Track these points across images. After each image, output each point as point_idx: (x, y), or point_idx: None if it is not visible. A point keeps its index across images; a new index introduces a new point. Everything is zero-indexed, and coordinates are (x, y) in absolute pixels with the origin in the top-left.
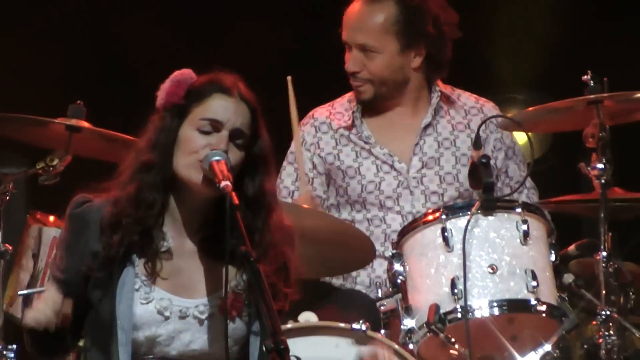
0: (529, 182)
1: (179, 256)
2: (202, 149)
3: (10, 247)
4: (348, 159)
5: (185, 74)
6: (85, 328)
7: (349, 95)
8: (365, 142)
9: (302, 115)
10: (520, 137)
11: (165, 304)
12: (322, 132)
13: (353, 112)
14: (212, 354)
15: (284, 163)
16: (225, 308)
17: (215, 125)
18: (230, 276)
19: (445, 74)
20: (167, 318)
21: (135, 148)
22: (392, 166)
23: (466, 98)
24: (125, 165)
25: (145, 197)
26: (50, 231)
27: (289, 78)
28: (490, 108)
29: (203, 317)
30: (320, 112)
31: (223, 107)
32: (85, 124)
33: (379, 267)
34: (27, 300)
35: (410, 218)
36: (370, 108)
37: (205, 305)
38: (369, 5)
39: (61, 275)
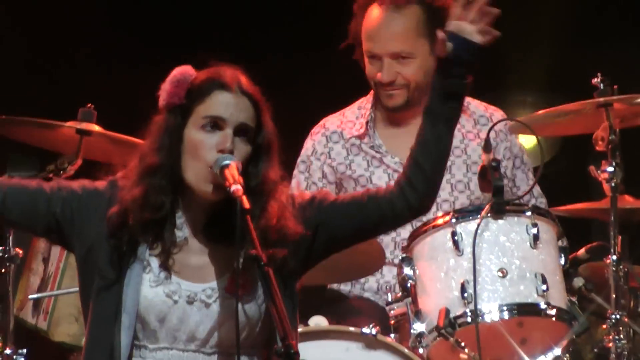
0: (536, 191)
1: (189, 244)
2: (209, 151)
3: (21, 251)
4: (360, 168)
5: (184, 72)
6: (88, 313)
7: (358, 102)
8: (377, 152)
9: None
10: (530, 140)
11: (174, 287)
12: (334, 142)
13: (367, 122)
14: (222, 338)
15: (295, 172)
16: (233, 290)
17: (219, 123)
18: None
19: None
20: (175, 302)
21: (140, 150)
22: None
23: (475, 107)
24: (130, 167)
25: (152, 200)
26: None
27: None
28: (498, 117)
29: (210, 300)
30: (332, 122)
31: (224, 104)
32: (96, 128)
33: (388, 273)
34: (37, 304)
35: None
36: (385, 117)
37: (212, 289)
38: (394, 12)
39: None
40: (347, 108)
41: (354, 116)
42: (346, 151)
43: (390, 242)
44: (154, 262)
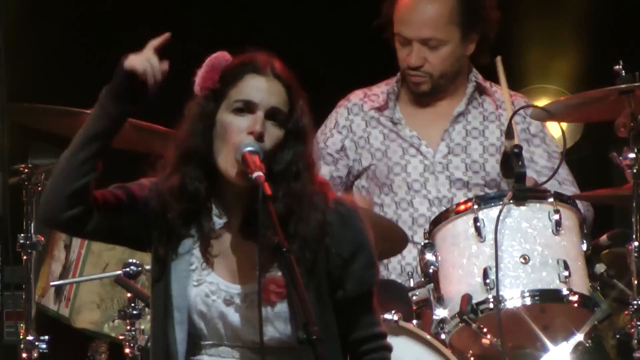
0: (570, 176)
1: (226, 239)
2: (239, 133)
3: (43, 239)
4: (376, 141)
5: (220, 57)
6: (150, 306)
7: (387, 80)
8: (395, 124)
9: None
10: (552, 127)
11: (214, 287)
12: (354, 114)
13: (388, 94)
14: (251, 343)
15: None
16: (266, 294)
17: (250, 107)
18: (270, 260)
19: (488, 59)
20: (214, 301)
21: (175, 137)
22: (418, 149)
23: (500, 93)
24: (166, 156)
25: (188, 189)
26: None
27: (498, 58)
28: (521, 103)
29: (246, 304)
30: (356, 94)
31: (256, 87)
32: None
33: (408, 254)
34: (59, 291)
35: (436, 203)
36: (411, 97)
37: (248, 293)
38: None
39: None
40: (375, 85)
41: (379, 90)
42: (365, 123)
43: (408, 217)
44: (197, 256)
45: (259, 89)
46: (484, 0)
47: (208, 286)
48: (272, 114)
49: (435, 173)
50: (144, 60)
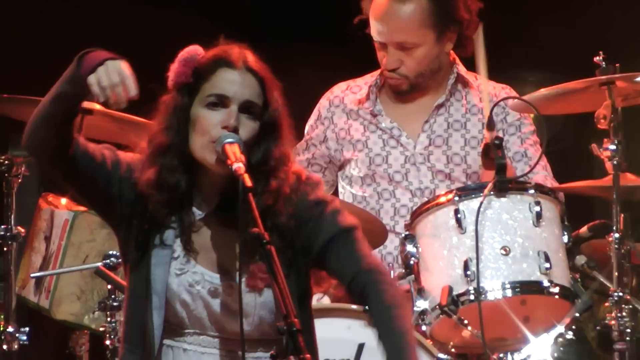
0: (541, 166)
1: (207, 229)
2: (214, 127)
3: (23, 230)
4: (357, 133)
5: (192, 51)
6: (126, 291)
7: (371, 73)
8: (374, 116)
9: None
10: (532, 119)
11: (198, 277)
12: (335, 106)
13: (370, 86)
14: (246, 333)
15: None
16: (252, 281)
17: (224, 100)
18: (252, 249)
19: (470, 52)
20: (198, 292)
21: (149, 131)
22: (398, 141)
23: (485, 84)
24: (141, 148)
25: (167, 180)
26: (62, 214)
27: (480, 25)
28: (504, 95)
29: (230, 293)
30: (339, 86)
31: (229, 81)
32: (97, 106)
33: (390, 244)
34: (39, 282)
35: (418, 194)
36: (392, 93)
37: (233, 282)
38: (400, 2)
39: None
40: (360, 77)
41: (363, 82)
42: (346, 115)
43: (390, 207)
44: (178, 246)
45: (232, 82)
46: (456, 1)
47: (192, 276)
48: (246, 107)
49: (417, 164)
50: (108, 90)
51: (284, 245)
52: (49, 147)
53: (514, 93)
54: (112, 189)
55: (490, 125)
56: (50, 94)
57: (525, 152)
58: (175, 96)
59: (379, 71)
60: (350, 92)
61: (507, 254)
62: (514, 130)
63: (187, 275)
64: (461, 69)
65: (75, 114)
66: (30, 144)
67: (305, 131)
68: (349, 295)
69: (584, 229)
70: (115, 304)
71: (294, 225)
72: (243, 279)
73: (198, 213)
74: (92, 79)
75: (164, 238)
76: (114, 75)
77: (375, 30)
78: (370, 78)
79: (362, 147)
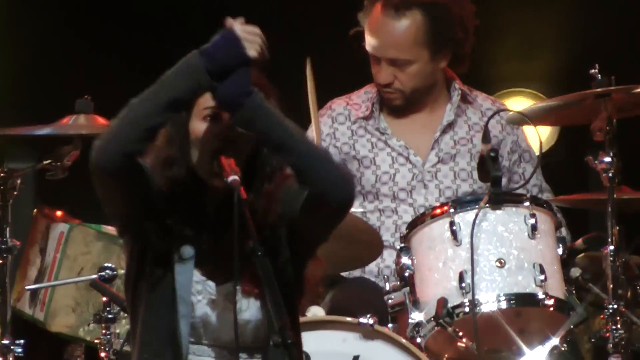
0: (544, 185)
1: (209, 236)
2: None
3: (18, 242)
4: (364, 149)
5: None
6: (137, 301)
7: (366, 87)
8: (382, 133)
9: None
10: (528, 131)
11: (200, 287)
12: (339, 123)
13: (372, 104)
14: (247, 336)
15: None
16: (247, 286)
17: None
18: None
19: (467, 68)
20: (199, 301)
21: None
22: (407, 158)
23: (483, 99)
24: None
25: (178, 192)
26: (58, 226)
27: (308, 60)
28: (503, 108)
29: (227, 303)
30: (338, 103)
31: None
32: (99, 120)
33: (389, 257)
34: (35, 295)
35: (421, 211)
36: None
37: (229, 291)
38: (394, 18)
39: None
40: (354, 92)
41: (360, 99)
42: (351, 132)
43: (392, 225)
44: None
45: None
46: (451, 20)
47: (195, 285)
48: None
49: (425, 181)
50: (256, 45)
51: (279, 245)
52: (131, 151)
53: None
54: (151, 196)
55: (486, 138)
56: (144, 109)
57: (541, 186)
58: None
59: (371, 86)
60: (352, 108)
61: (502, 266)
62: (528, 157)
63: (192, 285)
64: (460, 85)
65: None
66: (112, 147)
67: None
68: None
69: (579, 242)
70: (110, 316)
71: (285, 222)
72: (239, 286)
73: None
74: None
75: (183, 248)
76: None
77: (369, 44)
78: (365, 95)
79: (369, 163)
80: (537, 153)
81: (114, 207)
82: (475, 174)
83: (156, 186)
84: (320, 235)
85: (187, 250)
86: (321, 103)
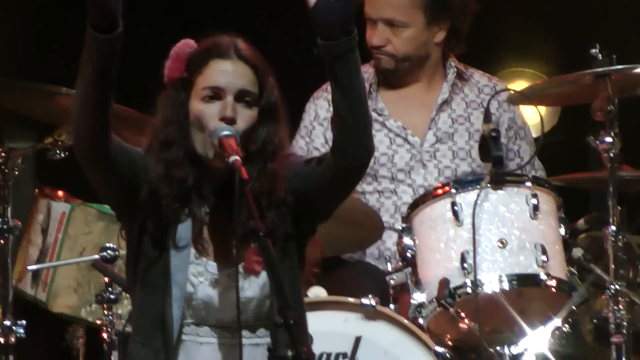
0: (537, 163)
1: (211, 218)
2: (211, 120)
3: (20, 223)
4: None
5: (184, 45)
6: (135, 282)
7: (364, 68)
8: (379, 115)
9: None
10: (529, 111)
11: (201, 269)
12: None
13: (370, 84)
14: (249, 315)
15: (296, 137)
16: (249, 265)
17: (218, 92)
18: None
19: (464, 49)
20: (200, 283)
21: (151, 128)
22: (405, 139)
23: (479, 76)
24: (145, 146)
25: (175, 174)
26: (59, 206)
27: None
28: (501, 87)
29: (229, 284)
30: None
31: (222, 72)
32: None
33: (389, 239)
34: (36, 275)
35: (421, 191)
36: (386, 82)
37: (233, 270)
38: None
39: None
40: None
41: None
42: None
43: (391, 205)
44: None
45: (225, 73)
46: None
47: (196, 267)
48: (241, 96)
49: (423, 161)
50: None
51: (280, 220)
52: (93, 134)
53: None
54: (138, 177)
55: (487, 118)
56: (80, 77)
57: (534, 164)
58: (172, 92)
59: (368, 65)
60: None
61: (504, 247)
62: (524, 134)
63: (192, 267)
64: (456, 63)
65: (110, 79)
66: (78, 138)
67: (300, 132)
68: (335, 160)
69: (580, 222)
70: (112, 297)
71: (291, 200)
72: (240, 265)
73: (204, 210)
74: None
75: (179, 231)
76: None
77: (367, 6)
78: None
79: None
80: (535, 131)
81: (104, 191)
82: (474, 153)
83: (149, 167)
84: (329, 206)
85: (183, 237)
86: (317, 84)
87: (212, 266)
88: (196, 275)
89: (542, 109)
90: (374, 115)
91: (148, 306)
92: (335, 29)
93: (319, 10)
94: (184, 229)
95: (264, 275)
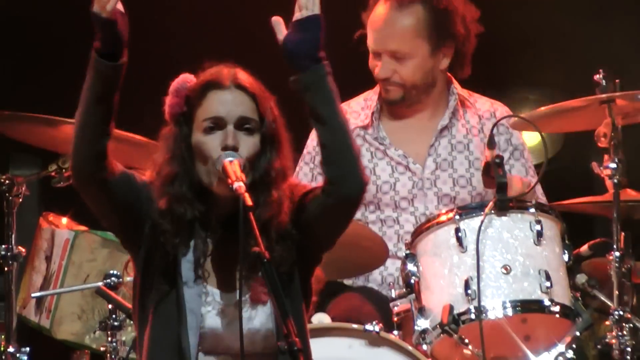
0: (538, 190)
1: (218, 247)
2: (214, 151)
3: (24, 250)
4: (363, 159)
5: (182, 80)
6: (144, 313)
7: (365, 94)
8: (380, 143)
9: None
10: (533, 137)
11: (210, 299)
12: None
13: (373, 113)
14: (256, 344)
15: (300, 163)
16: (256, 295)
17: (218, 122)
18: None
19: (468, 72)
20: (208, 312)
21: (154, 164)
22: (407, 167)
23: (482, 103)
24: (150, 179)
25: (175, 210)
26: (63, 233)
27: None
28: (503, 112)
29: (235, 310)
30: None
31: (220, 102)
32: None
33: (392, 266)
34: (40, 302)
35: (422, 219)
36: (390, 110)
37: (236, 298)
38: (397, 11)
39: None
40: (353, 99)
41: (359, 107)
42: None
43: (394, 234)
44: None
45: (224, 102)
46: (453, 16)
47: (204, 296)
48: (241, 124)
49: (424, 189)
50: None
51: (288, 253)
52: (90, 160)
53: (510, 112)
54: (140, 210)
55: (491, 144)
56: (80, 104)
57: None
58: (174, 127)
59: (371, 93)
60: (352, 117)
61: (507, 273)
62: (518, 155)
63: (203, 297)
64: (458, 88)
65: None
66: (77, 165)
67: (304, 159)
68: (327, 193)
69: (584, 248)
70: (116, 323)
71: (295, 232)
72: (247, 295)
73: (210, 240)
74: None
75: (183, 264)
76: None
77: (371, 39)
78: (364, 102)
79: (369, 173)
80: (539, 157)
81: (103, 218)
82: (474, 181)
83: (151, 200)
84: (330, 237)
85: (188, 269)
86: None
87: (219, 295)
88: (204, 304)
89: (546, 135)
90: (375, 144)
91: (163, 337)
92: (304, 59)
93: (288, 43)
94: (189, 261)
95: (270, 304)
